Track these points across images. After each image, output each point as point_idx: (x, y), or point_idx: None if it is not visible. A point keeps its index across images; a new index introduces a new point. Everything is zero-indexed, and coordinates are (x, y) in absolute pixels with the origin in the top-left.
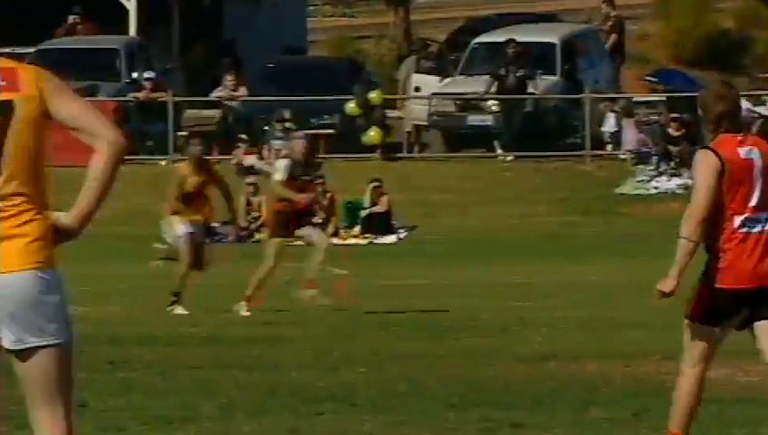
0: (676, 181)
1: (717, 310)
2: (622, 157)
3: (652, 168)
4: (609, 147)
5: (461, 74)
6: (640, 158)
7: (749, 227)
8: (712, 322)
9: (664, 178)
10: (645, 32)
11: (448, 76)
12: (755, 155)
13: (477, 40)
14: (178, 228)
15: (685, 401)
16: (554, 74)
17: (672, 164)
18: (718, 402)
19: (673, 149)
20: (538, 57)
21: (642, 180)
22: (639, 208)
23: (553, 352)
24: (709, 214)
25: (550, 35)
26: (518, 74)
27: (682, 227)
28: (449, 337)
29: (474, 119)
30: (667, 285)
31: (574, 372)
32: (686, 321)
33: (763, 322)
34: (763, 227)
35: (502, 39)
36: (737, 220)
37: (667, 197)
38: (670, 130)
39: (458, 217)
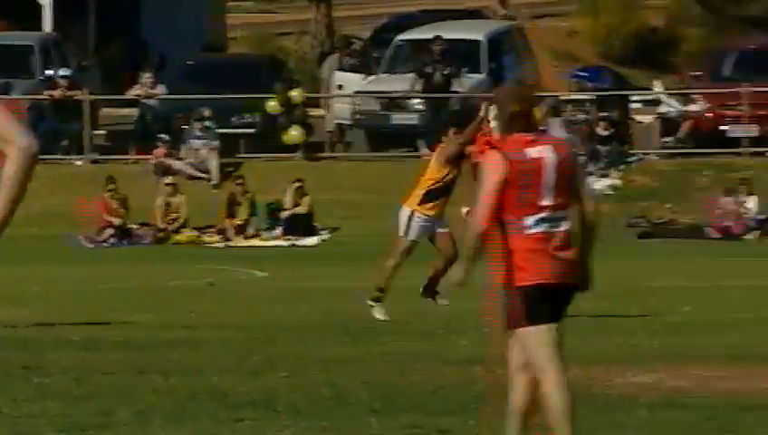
0: (605, 182)
1: (534, 309)
2: None
3: None
4: None
5: (385, 72)
6: None
7: (542, 226)
8: (537, 321)
9: (593, 178)
10: (573, 28)
11: (372, 74)
12: (547, 155)
13: (401, 37)
14: None
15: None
16: (480, 72)
17: (601, 164)
18: (648, 408)
19: (602, 149)
20: (464, 55)
21: None
22: None
23: (480, 355)
24: (496, 214)
25: (476, 32)
26: (444, 72)
27: (469, 227)
28: (373, 341)
29: (398, 118)
30: (456, 275)
31: (501, 377)
32: (513, 331)
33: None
34: (556, 226)
35: (427, 36)
36: (529, 220)
37: (596, 198)
38: (599, 130)
39: (382, 218)
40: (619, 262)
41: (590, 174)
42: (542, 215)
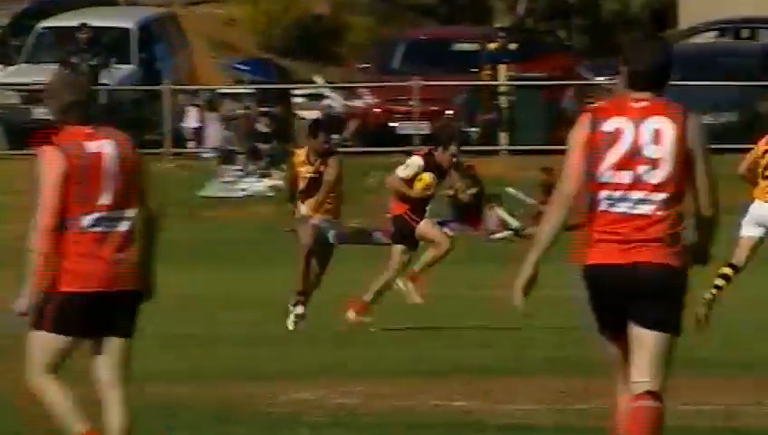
0: (266, 182)
1: (64, 318)
2: (205, 156)
3: (239, 168)
4: (191, 145)
5: (26, 62)
6: (225, 157)
7: (99, 226)
8: (60, 330)
9: (252, 179)
10: (231, 16)
11: (12, 64)
12: (108, 150)
13: (44, 24)
14: None
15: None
16: (130, 63)
17: (262, 164)
18: (311, 427)
19: (262, 146)
20: (112, 44)
21: (228, 182)
22: (225, 212)
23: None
24: (58, 218)
25: (125, 20)
26: (91, 63)
27: (31, 237)
28: None
29: (39, 112)
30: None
31: (159, 394)
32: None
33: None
34: (114, 227)
35: (72, 23)
36: (87, 219)
37: (255, 200)
38: (259, 126)
39: (25, 221)
40: (279, 270)
41: (250, 174)
42: (100, 214)
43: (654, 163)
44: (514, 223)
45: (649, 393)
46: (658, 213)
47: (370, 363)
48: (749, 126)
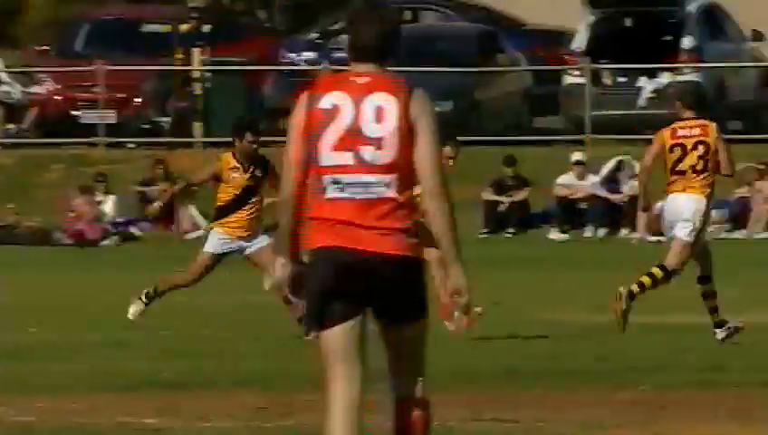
0: None
1: None
2: None
3: None
4: None
5: None
6: None
7: None
8: None
9: None
10: None
11: None
12: None
13: None
14: None
15: None
16: None
17: None
18: None
19: None
20: None
21: None
22: None
23: None
24: None
25: None
26: None
27: None
28: None
29: None
30: None
31: None
32: None
33: None
34: None
35: None
36: None
37: None
38: None
39: None
40: None
41: None
42: None
43: (377, 143)
44: (204, 222)
45: (411, 399)
46: (387, 197)
47: (53, 376)
48: (464, 116)
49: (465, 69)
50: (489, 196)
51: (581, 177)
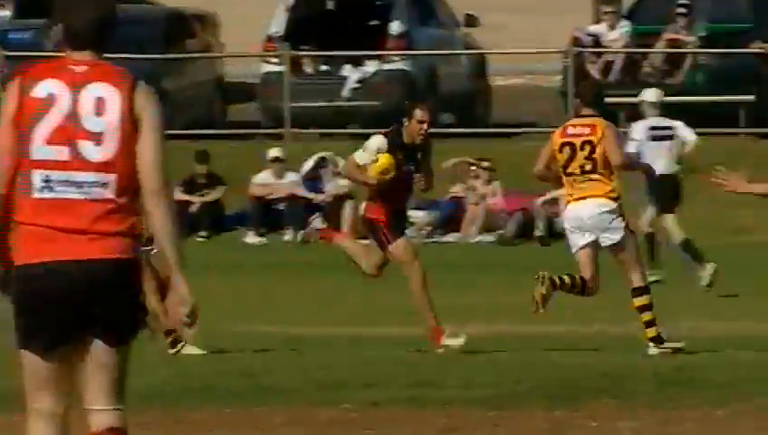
0: None
1: None
2: None
3: None
4: None
5: None
6: None
7: None
8: None
9: None
10: None
11: None
12: None
13: None
14: None
15: None
16: None
17: None
18: None
19: None
20: None
21: None
22: None
23: None
24: None
25: None
26: None
27: None
28: None
29: None
30: None
31: None
32: None
33: None
34: None
35: None
36: None
37: None
38: None
39: None
40: None
41: None
42: None
43: (97, 138)
44: None
45: (112, 430)
46: (105, 198)
47: None
48: None
49: (151, 56)
50: (179, 195)
51: (280, 175)
